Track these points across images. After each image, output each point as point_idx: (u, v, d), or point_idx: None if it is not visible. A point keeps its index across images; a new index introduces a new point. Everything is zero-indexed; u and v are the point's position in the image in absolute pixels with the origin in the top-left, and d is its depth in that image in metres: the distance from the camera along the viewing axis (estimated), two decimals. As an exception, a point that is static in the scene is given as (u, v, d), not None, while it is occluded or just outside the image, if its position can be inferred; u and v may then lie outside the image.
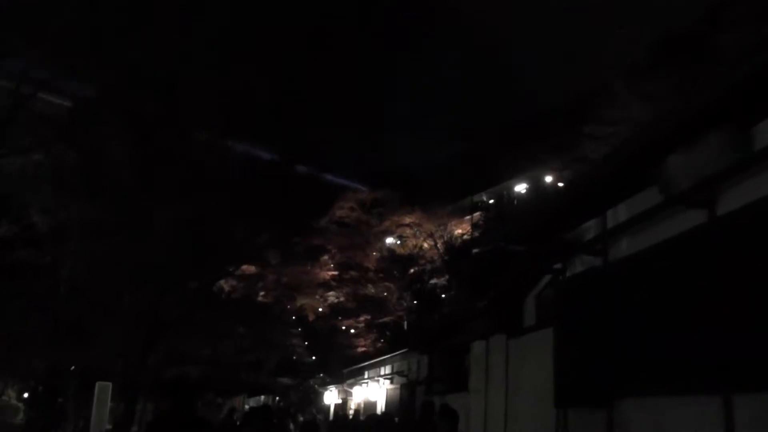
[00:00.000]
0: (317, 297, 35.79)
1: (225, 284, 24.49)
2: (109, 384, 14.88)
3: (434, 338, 16.31)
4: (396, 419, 17.08)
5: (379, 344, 33.68)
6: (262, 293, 32.24)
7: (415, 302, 34.61)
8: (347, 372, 29.35)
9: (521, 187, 37.92)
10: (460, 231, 35.20)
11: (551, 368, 8.55)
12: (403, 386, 20.52)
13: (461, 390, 14.16)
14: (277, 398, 37.74)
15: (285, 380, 33.96)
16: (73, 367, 16.87)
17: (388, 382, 23.04)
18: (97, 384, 14.76)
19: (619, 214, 7.54)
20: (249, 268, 27.26)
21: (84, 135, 13.38)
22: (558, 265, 8.93)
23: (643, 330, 6.60)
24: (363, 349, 34.05)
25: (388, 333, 34.73)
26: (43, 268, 14.43)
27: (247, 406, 33.52)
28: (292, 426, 24.07)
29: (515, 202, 37.53)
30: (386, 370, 23.49)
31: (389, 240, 37.76)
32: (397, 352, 20.83)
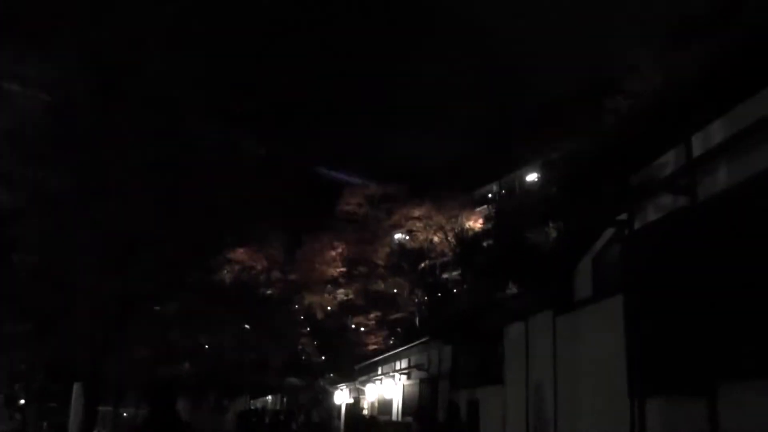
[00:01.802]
0: (326, 294, 34.57)
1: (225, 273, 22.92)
2: None
3: (459, 324, 14.34)
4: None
5: (391, 342, 32.20)
6: (269, 291, 30.94)
7: (426, 298, 33.20)
8: (359, 369, 27.57)
9: (533, 176, 36.32)
10: (471, 223, 33.65)
11: (621, 348, 6.81)
12: (422, 381, 18.66)
13: (495, 382, 12.40)
14: (285, 398, 36.68)
15: (293, 380, 32.58)
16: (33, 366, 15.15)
17: (404, 377, 21.13)
18: (76, 385, 13.14)
19: (712, 135, 5.78)
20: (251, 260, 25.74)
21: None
22: (623, 216, 7.10)
23: (758, 287, 4.84)
24: (374, 346, 32.62)
25: (399, 330, 33.28)
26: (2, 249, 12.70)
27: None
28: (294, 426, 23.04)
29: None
30: (402, 364, 21.53)
31: (398, 235, 36.51)
32: (415, 343, 18.92)
